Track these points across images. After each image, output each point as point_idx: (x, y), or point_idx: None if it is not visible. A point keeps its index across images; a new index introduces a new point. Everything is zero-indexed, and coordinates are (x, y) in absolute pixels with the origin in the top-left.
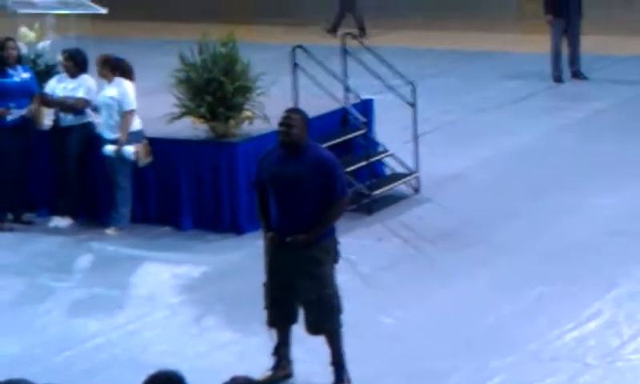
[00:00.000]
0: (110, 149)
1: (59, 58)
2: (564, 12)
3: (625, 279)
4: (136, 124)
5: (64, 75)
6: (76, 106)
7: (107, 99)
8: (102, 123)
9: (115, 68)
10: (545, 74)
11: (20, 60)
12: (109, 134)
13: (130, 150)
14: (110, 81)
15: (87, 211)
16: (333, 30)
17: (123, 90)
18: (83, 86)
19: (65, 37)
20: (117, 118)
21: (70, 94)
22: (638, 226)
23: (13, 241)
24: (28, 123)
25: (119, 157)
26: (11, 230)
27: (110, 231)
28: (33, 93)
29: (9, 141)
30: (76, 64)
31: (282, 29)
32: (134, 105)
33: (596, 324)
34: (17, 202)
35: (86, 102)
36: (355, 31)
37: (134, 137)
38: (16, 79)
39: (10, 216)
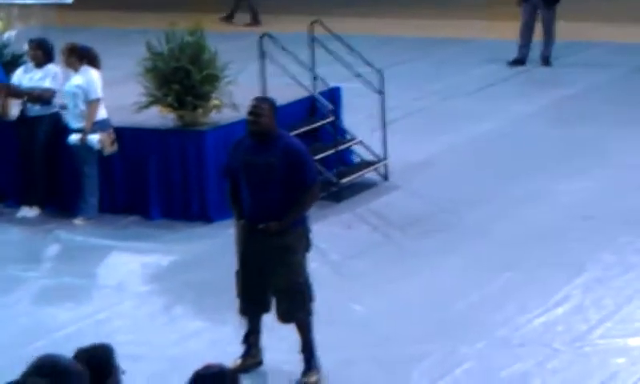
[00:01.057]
0: (74, 138)
1: (25, 47)
2: None
3: (592, 264)
4: (102, 113)
5: (30, 65)
6: (43, 97)
7: (73, 88)
8: (68, 112)
9: (82, 57)
10: None
11: None
12: (74, 124)
13: (94, 138)
14: (76, 70)
15: (55, 201)
16: (229, 17)
17: (89, 78)
18: (49, 76)
19: (30, 27)
20: (82, 107)
21: (36, 84)
22: (605, 211)
23: None
24: None
25: (84, 146)
26: None
27: (78, 221)
28: None
29: None
30: (44, 53)
31: (248, 16)
32: (100, 94)
33: (564, 309)
34: None
35: (53, 93)
36: (248, 19)
37: (100, 126)
38: None
39: None
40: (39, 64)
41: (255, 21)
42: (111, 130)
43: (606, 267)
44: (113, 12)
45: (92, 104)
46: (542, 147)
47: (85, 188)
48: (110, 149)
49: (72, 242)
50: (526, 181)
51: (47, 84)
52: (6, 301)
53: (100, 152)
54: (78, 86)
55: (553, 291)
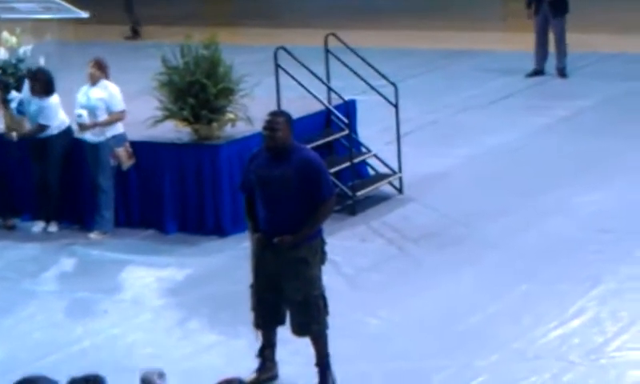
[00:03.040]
0: (80, 111)
1: (41, 61)
2: (539, 9)
3: (609, 277)
4: (118, 127)
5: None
6: (33, 132)
7: (95, 101)
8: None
9: (104, 69)
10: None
11: None
12: (92, 138)
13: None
14: (95, 83)
15: (71, 216)
16: (135, 33)
17: (111, 91)
18: (44, 112)
19: (46, 42)
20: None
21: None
22: (622, 224)
23: None
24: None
25: (99, 158)
26: None
27: (94, 235)
28: None
29: None
30: (42, 86)
31: (264, 31)
32: (124, 106)
33: (580, 322)
34: (1, 207)
35: (41, 128)
36: (129, 32)
37: (117, 140)
38: None
39: None
40: (38, 95)
41: (135, 33)
42: (127, 144)
43: (623, 280)
44: (128, 27)
45: (116, 114)
46: (558, 160)
47: (100, 202)
48: (128, 162)
49: (88, 257)
50: (542, 193)
51: (41, 121)
52: (22, 315)
53: (117, 167)
54: (100, 99)
55: (569, 304)
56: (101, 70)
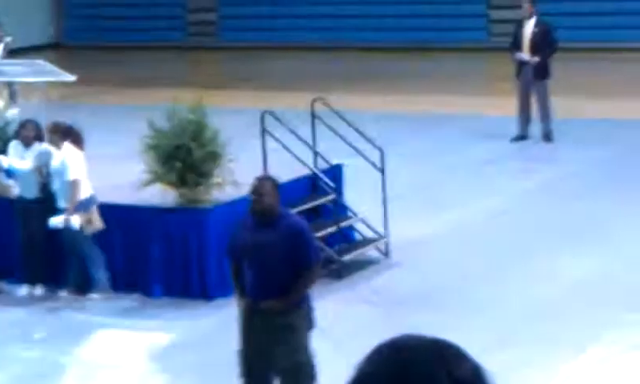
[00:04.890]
0: (54, 221)
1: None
2: (521, 74)
3: (594, 343)
4: (85, 192)
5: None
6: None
7: (56, 167)
8: (57, 192)
9: (66, 134)
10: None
11: None
12: (62, 203)
13: (75, 220)
14: (59, 148)
15: (57, 280)
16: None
17: (65, 158)
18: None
19: (32, 104)
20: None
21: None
22: (608, 289)
23: None
24: None
25: (67, 229)
26: None
27: (93, 295)
28: None
29: None
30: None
31: (251, 93)
32: (78, 174)
33: None
34: None
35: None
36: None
37: (82, 205)
38: None
39: None
40: (28, 144)
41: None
42: (94, 208)
43: (608, 346)
44: (116, 88)
45: (70, 185)
46: (544, 224)
47: (88, 267)
48: (90, 228)
49: (73, 321)
50: (528, 258)
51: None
52: (8, 380)
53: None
54: (61, 164)
55: (555, 370)
56: (53, 134)
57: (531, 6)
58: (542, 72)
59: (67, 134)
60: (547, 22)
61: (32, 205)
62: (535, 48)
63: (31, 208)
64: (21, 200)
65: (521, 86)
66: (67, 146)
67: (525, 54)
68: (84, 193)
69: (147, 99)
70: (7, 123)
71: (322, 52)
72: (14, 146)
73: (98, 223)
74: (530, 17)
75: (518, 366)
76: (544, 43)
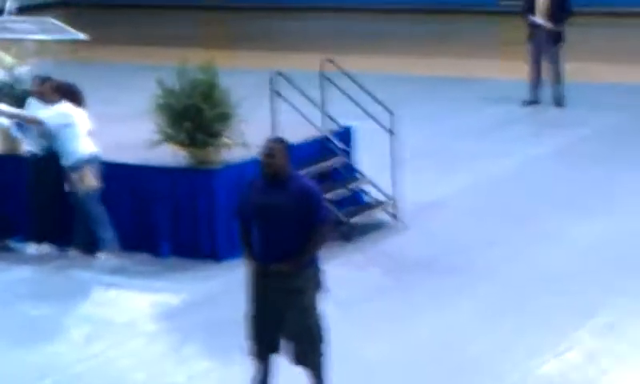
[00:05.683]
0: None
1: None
2: (533, 38)
3: (603, 309)
4: (87, 149)
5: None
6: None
7: (56, 125)
8: (58, 150)
9: (65, 94)
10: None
11: None
12: (64, 162)
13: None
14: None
15: (65, 237)
16: None
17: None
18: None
19: (44, 62)
20: (65, 144)
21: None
22: (617, 255)
23: None
24: None
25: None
26: None
27: (101, 255)
28: None
29: None
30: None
31: (261, 54)
32: (49, 121)
33: (575, 354)
34: None
35: (38, 122)
36: None
37: (82, 162)
38: None
39: None
40: (48, 100)
41: None
42: (88, 167)
43: (619, 313)
44: (127, 47)
45: (31, 120)
46: (554, 189)
47: (96, 227)
48: (83, 186)
49: (82, 280)
50: (538, 223)
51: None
52: (16, 338)
53: (96, 191)
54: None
55: (564, 335)
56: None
57: None
58: (555, 36)
59: (65, 92)
60: None
61: (42, 161)
62: (550, 13)
63: (41, 164)
64: (32, 156)
65: (533, 50)
66: (66, 104)
67: (539, 18)
68: (84, 150)
69: (156, 58)
70: (17, 81)
71: (333, 13)
72: (32, 102)
73: (92, 182)
74: None
75: (528, 332)
76: (559, 8)
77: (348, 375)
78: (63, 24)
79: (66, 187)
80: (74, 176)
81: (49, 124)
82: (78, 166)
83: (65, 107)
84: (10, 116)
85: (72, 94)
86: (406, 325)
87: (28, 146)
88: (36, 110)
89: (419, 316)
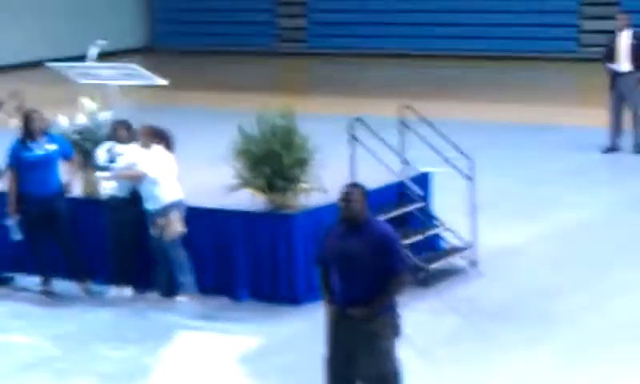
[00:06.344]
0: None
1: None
2: (614, 85)
3: None
4: (173, 195)
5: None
6: (133, 179)
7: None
8: (143, 194)
9: (157, 137)
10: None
11: (46, 131)
12: (149, 205)
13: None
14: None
15: (147, 281)
16: None
17: (149, 158)
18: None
19: (123, 108)
20: (153, 188)
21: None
22: None
23: (74, 310)
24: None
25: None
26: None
27: (180, 298)
28: (54, 163)
29: (43, 209)
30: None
31: (338, 100)
32: (153, 171)
33: None
34: (76, 270)
35: (141, 176)
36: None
37: (167, 208)
38: (38, 152)
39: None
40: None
41: None
42: (175, 213)
43: None
44: (206, 92)
45: (136, 177)
46: (634, 237)
47: (177, 271)
48: (168, 232)
49: (161, 322)
50: (617, 271)
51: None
52: (98, 380)
53: (181, 236)
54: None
55: None
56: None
57: (626, 17)
58: (637, 82)
59: (158, 136)
60: None
61: (123, 205)
62: (632, 58)
63: (122, 208)
64: (112, 199)
65: (614, 98)
66: (157, 148)
67: (618, 65)
68: (172, 196)
69: (236, 104)
70: (99, 126)
71: (411, 59)
72: (108, 147)
73: (178, 228)
74: (624, 28)
75: (606, 381)
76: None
77: None
78: (144, 69)
79: (151, 231)
80: (160, 221)
81: (150, 176)
82: (165, 211)
83: (159, 153)
84: (116, 178)
85: (163, 139)
86: (483, 372)
87: (109, 188)
88: (122, 153)
89: (497, 363)
